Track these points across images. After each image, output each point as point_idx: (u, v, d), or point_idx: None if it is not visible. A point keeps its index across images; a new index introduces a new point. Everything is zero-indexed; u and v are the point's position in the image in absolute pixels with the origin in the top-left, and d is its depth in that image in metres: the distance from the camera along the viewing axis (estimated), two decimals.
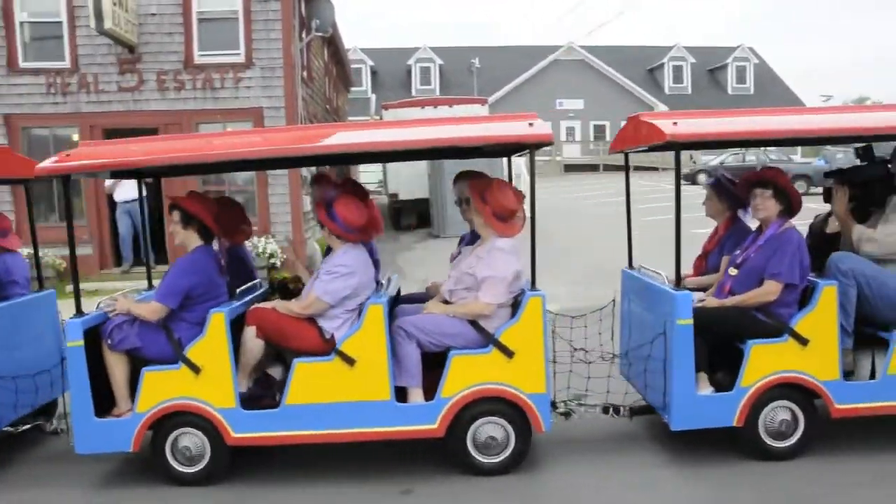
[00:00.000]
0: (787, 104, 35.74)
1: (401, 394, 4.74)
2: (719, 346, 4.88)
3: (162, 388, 4.72)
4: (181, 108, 13.05)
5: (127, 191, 12.45)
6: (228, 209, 5.76)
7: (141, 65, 13.01)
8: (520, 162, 14.73)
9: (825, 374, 4.69)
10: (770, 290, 4.71)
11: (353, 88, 32.44)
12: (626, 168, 6.10)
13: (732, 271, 4.97)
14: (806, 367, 4.68)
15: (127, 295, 5.22)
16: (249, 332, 4.81)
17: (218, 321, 4.67)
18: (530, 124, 4.61)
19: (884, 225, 4.95)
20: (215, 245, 5.21)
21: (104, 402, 4.86)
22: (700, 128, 4.77)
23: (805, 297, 4.81)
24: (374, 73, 44.65)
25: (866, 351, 4.91)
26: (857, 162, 5.62)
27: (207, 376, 4.69)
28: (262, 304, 5.03)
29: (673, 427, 4.74)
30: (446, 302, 4.91)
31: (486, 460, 4.76)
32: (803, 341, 4.65)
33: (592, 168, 39.18)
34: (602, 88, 44.36)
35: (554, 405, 5.20)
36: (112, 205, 12.98)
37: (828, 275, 4.81)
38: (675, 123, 4.58)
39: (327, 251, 5.16)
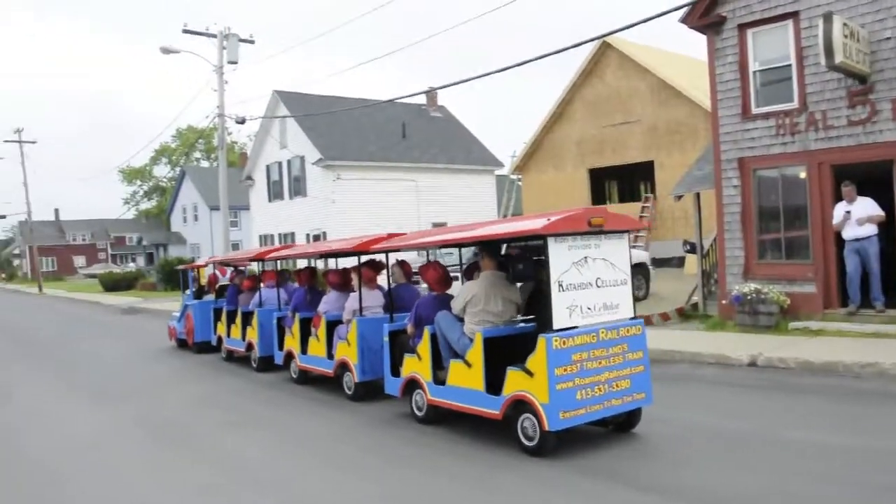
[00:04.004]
0: None
1: None
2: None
3: None
4: None
5: (856, 228, 11.87)
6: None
7: (873, 94, 12.28)
8: None
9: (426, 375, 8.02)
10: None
11: None
12: None
13: None
14: (421, 370, 8.08)
15: None
16: None
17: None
18: None
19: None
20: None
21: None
22: None
23: None
24: None
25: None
26: None
27: None
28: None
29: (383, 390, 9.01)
30: None
31: None
32: (419, 356, 8.03)
33: None
34: None
35: None
36: (840, 242, 12.54)
37: None
38: None
39: None
